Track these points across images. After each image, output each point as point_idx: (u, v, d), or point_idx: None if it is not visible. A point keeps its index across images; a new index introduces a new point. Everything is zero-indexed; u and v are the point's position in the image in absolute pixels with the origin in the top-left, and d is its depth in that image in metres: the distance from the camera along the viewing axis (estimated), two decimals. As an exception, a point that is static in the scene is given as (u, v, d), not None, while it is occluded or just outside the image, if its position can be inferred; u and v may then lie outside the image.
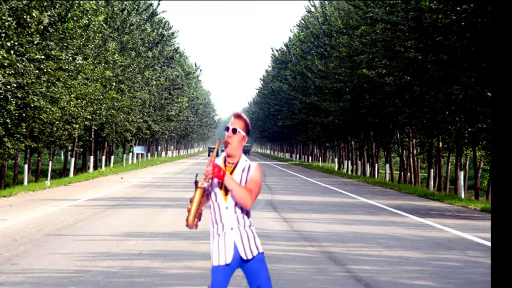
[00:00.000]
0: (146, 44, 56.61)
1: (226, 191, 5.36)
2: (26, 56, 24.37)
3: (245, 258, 5.33)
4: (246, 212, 5.39)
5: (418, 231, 15.75)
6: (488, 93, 26.54)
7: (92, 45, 35.17)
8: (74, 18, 27.98)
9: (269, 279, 5.37)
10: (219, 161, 5.46)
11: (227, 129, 5.42)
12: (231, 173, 5.40)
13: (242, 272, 9.95)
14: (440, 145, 36.42)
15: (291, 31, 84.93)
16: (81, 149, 57.53)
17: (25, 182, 31.28)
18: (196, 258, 11.10)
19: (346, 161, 57.63)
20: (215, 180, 5.39)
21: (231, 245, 5.33)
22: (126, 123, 48.15)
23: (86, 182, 33.31)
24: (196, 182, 5.30)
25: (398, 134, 44.98)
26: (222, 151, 5.60)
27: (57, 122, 30.90)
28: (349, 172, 54.63)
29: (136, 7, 52.11)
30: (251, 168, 5.41)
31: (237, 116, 5.45)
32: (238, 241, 5.33)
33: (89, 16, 31.40)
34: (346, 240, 13.77)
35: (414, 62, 27.82)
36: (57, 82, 28.31)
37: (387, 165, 45.35)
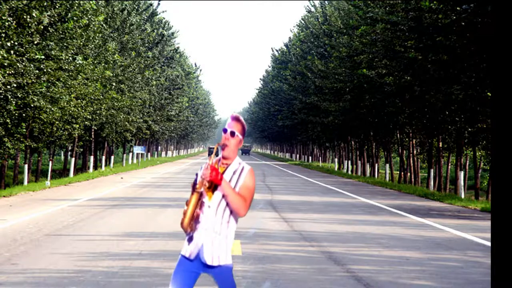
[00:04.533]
0: (146, 44, 56.62)
1: (214, 190, 5.25)
2: (26, 56, 24.37)
3: (208, 262, 5.20)
4: (228, 221, 5.24)
5: (418, 231, 15.75)
6: (488, 93, 26.54)
7: (92, 45, 35.17)
8: (74, 18, 27.98)
9: None
10: (214, 161, 5.38)
11: (225, 131, 5.35)
12: (222, 173, 5.31)
13: (240, 273, 9.95)
14: (440, 145, 36.42)
15: (291, 31, 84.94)
16: (81, 149, 57.54)
17: (25, 182, 31.27)
18: (196, 258, 11.09)
19: (346, 161, 57.62)
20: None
21: (199, 245, 5.23)
22: (126, 123, 48.14)
23: (86, 182, 33.31)
24: (194, 185, 5.24)
25: (398, 134, 44.99)
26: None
27: (57, 122, 30.90)
28: (349, 172, 54.62)
29: (136, 7, 52.12)
30: (243, 172, 5.30)
31: (235, 119, 5.40)
32: (206, 244, 5.21)
33: (89, 16, 31.41)
34: (346, 240, 13.77)
35: (414, 62, 27.82)
36: (57, 82, 28.31)
37: (387, 165, 45.35)
